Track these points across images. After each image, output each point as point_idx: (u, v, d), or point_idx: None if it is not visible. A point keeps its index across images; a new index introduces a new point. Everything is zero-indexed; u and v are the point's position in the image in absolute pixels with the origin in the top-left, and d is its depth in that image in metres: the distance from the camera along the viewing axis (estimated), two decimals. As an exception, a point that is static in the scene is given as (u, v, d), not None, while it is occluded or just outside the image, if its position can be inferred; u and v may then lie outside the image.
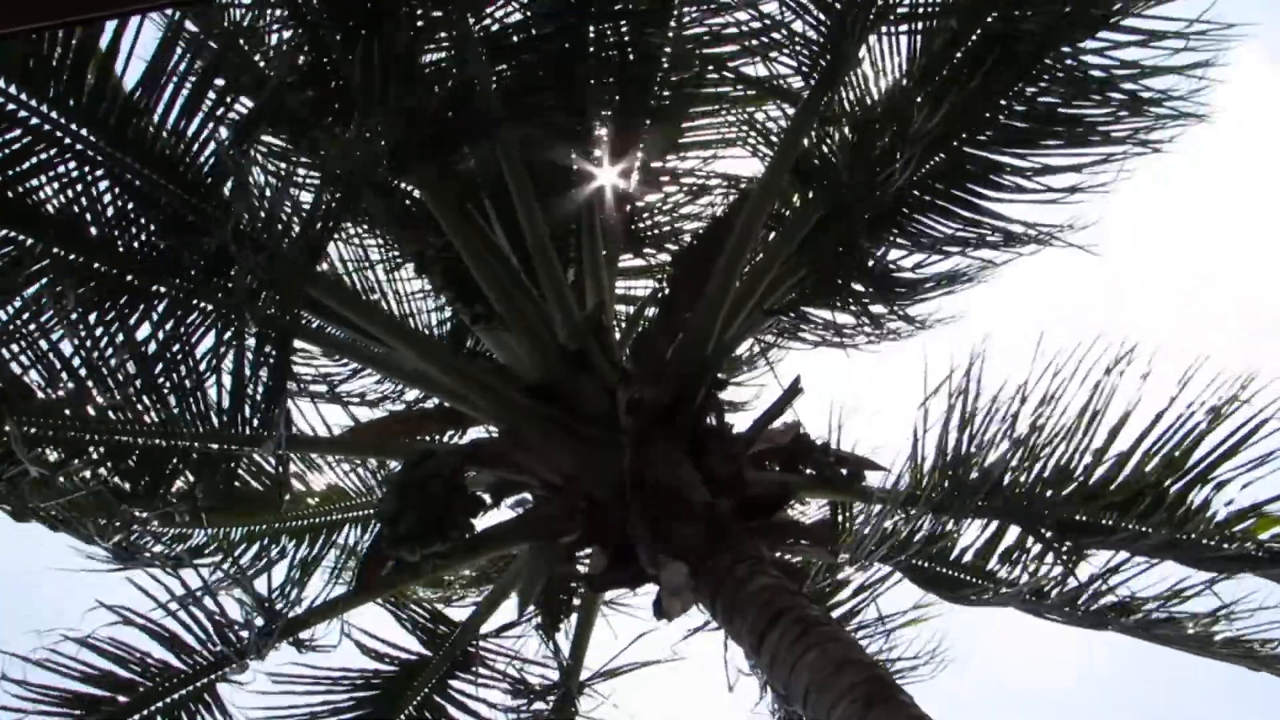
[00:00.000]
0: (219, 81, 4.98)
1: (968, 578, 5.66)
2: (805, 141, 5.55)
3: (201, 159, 5.01)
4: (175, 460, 5.45)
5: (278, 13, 5.20)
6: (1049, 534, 5.45)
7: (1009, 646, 5.86)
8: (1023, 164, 5.52)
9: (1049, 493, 5.42)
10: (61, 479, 5.00)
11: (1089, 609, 5.35)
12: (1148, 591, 5.34)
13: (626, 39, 5.53)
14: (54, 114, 4.68)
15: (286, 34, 5.34)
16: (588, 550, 5.38)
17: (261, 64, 5.40)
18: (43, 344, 5.04)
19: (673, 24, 5.58)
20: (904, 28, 5.27)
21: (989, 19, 5.14)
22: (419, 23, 5.26)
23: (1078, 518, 5.40)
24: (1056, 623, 5.58)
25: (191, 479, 5.53)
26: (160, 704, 5.14)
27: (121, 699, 5.07)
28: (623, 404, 4.99)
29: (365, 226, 6.34)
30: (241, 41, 5.22)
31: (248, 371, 5.17)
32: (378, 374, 6.54)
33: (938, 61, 5.20)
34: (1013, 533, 5.62)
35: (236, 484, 5.91)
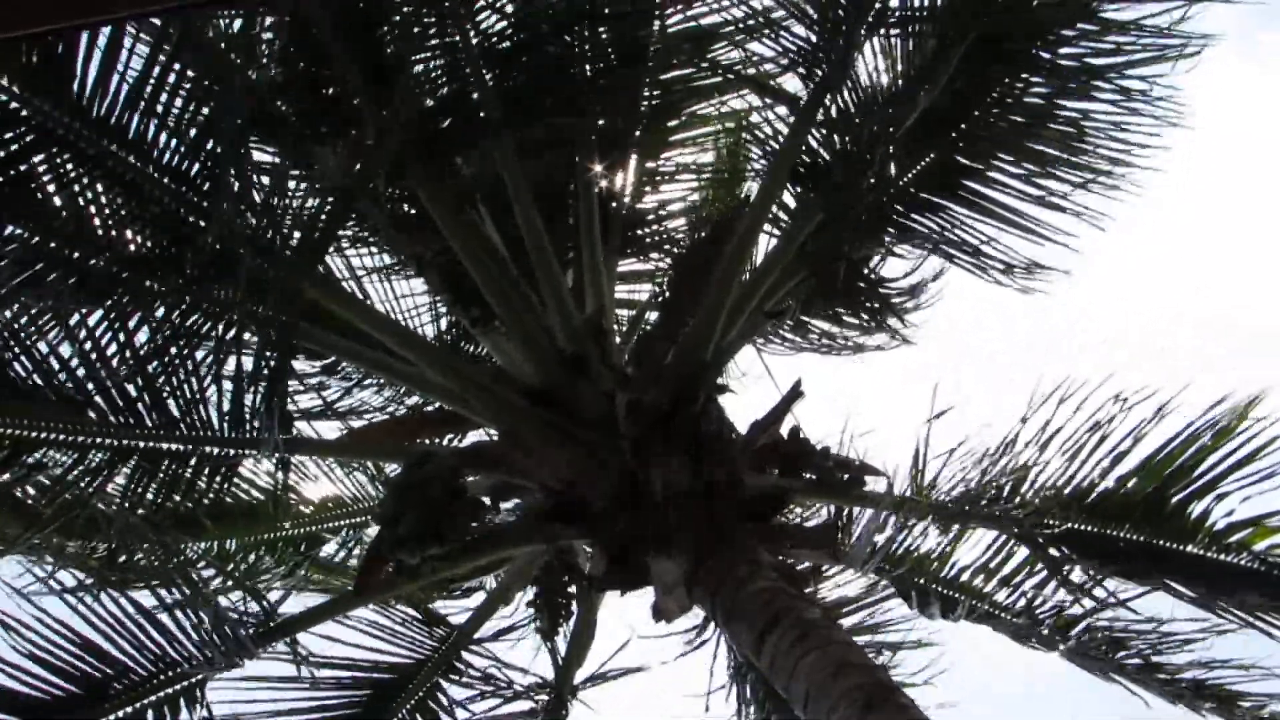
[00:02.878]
0: (218, 83, 5.00)
1: (961, 596, 5.67)
2: (803, 145, 5.56)
3: (201, 159, 5.02)
4: (175, 464, 5.44)
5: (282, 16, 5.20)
6: (1046, 544, 5.45)
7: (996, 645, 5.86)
8: (1016, 162, 5.53)
9: (1047, 502, 5.43)
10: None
11: (1080, 644, 5.37)
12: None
13: (619, 42, 5.53)
14: (56, 112, 4.69)
15: (285, 37, 5.33)
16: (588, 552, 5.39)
17: (259, 68, 5.40)
18: (42, 346, 5.06)
19: (665, 26, 5.59)
20: (898, 31, 5.29)
21: (982, 19, 5.16)
22: (414, 29, 5.27)
23: (1075, 526, 5.42)
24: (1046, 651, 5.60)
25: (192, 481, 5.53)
26: (151, 699, 5.12)
27: (115, 687, 5.05)
28: (622, 408, 4.98)
29: (364, 229, 6.35)
30: (237, 52, 5.22)
31: (248, 371, 5.18)
32: (376, 381, 6.54)
33: (931, 62, 5.21)
34: (1009, 548, 5.65)
35: (235, 489, 5.94)
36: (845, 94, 5.35)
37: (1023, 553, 5.61)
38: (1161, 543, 5.36)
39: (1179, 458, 5.24)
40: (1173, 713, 5.37)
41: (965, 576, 5.76)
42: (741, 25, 5.39)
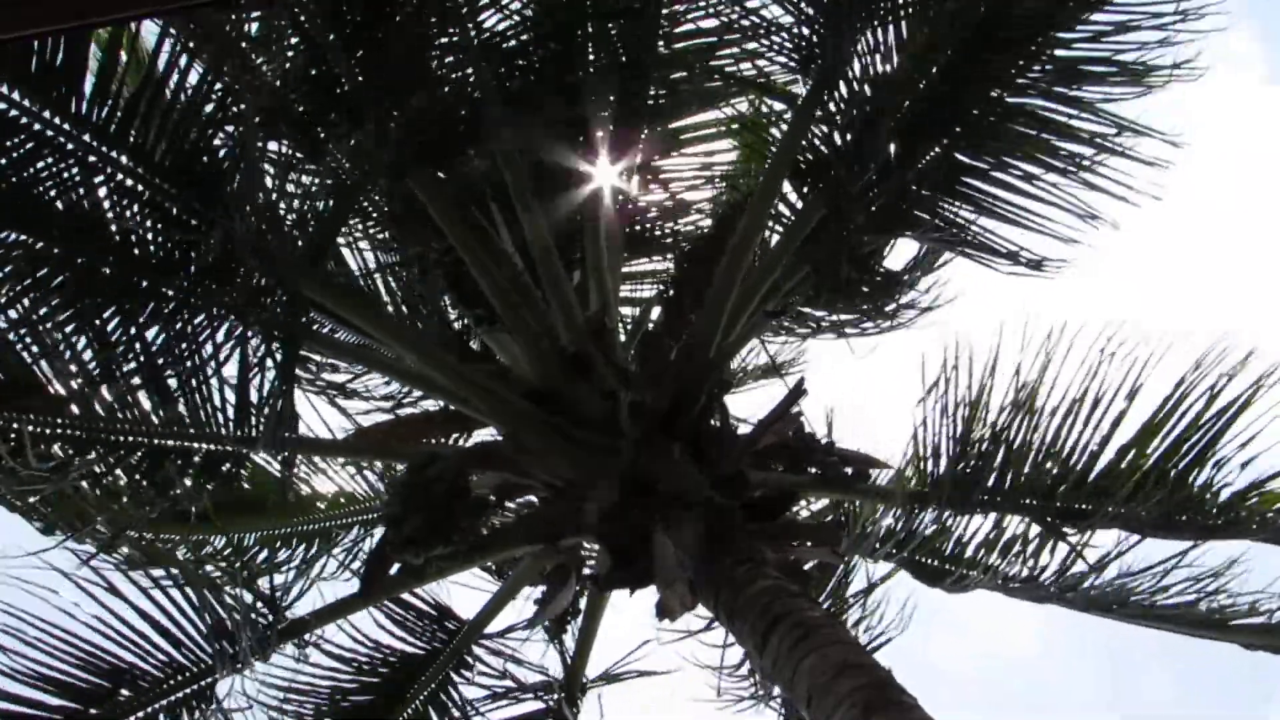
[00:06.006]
0: (220, 86, 5.02)
1: (972, 573, 5.65)
2: (803, 142, 5.54)
3: (204, 162, 5.04)
4: (181, 460, 5.48)
5: (279, 20, 5.20)
6: (1056, 523, 5.44)
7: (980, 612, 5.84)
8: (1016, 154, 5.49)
9: (1052, 482, 5.42)
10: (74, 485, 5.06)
11: (1094, 596, 5.32)
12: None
13: (621, 40, 5.52)
14: (57, 120, 4.71)
15: (289, 39, 5.33)
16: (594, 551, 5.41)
17: (264, 69, 5.40)
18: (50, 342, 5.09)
19: (668, 24, 5.56)
20: (899, 19, 5.25)
21: (980, 8, 5.12)
22: (419, 29, 5.26)
23: (1082, 506, 5.40)
24: (1061, 605, 5.57)
25: (198, 479, 5.56)
26: (163, 702, 5.17)
27: (124, 693, 5.10)
28: (625, 407, 4.99)
29: (369, 229, 6.36)
30: (244, 45, 5.22)
31: (252, 373, 5.21)
32: (382, 376, 6.56)
33: (930, 54, 5.19)
34: (1015, 525, 5.63)
35: (242, 485, 5.97)
36: (843, 89, 5.32)
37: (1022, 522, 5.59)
38: (1173, 517, 5.33)
39: (1171, 421, 5.21)
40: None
41: (970, 552, 5.76)
42: (741, 22, 5.37)
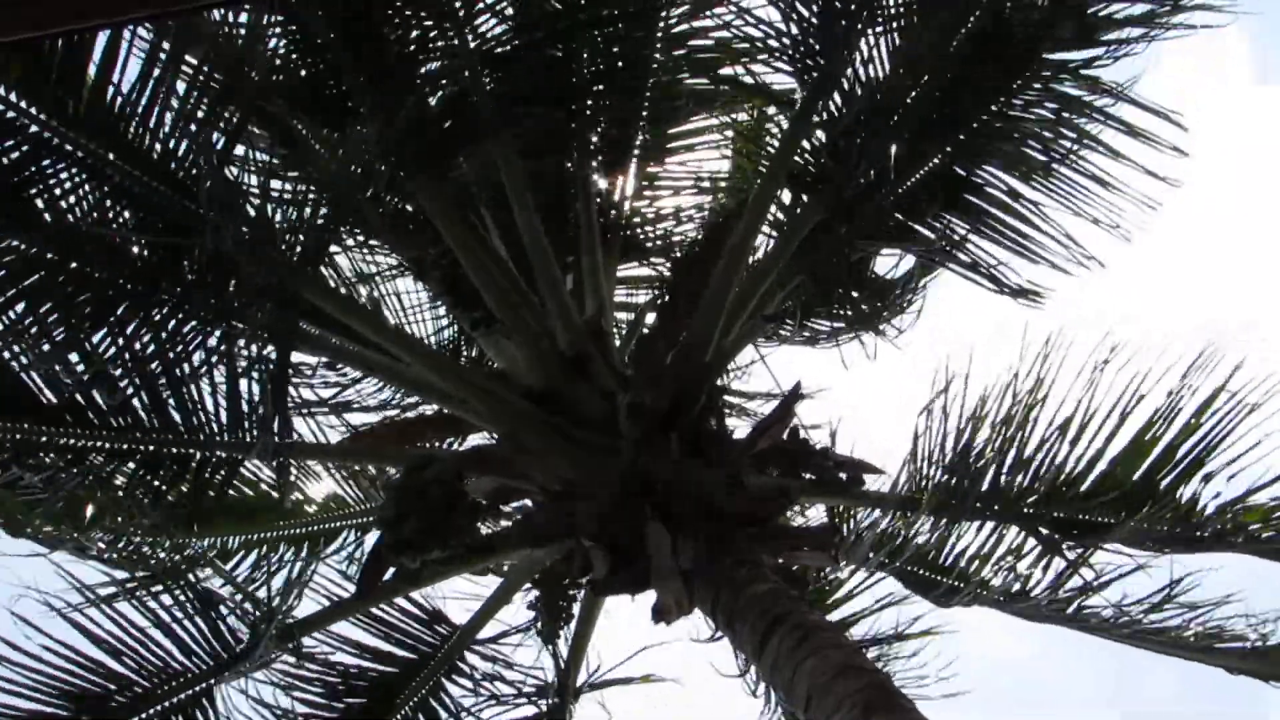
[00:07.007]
0: (214, 89, 5.00)
1: (963, 584, 5.67)
2: (800, 147, 5.56)
3: (197, 166, 5.02)
4: (175, 466, 5.45)
5: (274, 20, 5.19)
6: (1047, 533, 5.46)
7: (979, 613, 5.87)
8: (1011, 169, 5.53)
9: (1044, 492, 5.44)
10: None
11: (1083, 614, 5.35)
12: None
13: (617, 44, 5.53)
14: (53, 122, 4.69)
15: (284, 42, 5.32)
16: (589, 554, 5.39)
17: (256, 75, 5.39)
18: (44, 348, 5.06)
19: (665, 30, 5.58)
20: (894, 26, 5.29)
21: (977, 14, 5.16)
22: (415, 33, 5.27)
23: (1074, 517, 5.42)
24: (1051, 623, 5.59)
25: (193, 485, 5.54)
26: (159, 706, 5.14)
27: (120, 698, 5.07)
28: (623, 409, 4.99)
29: (364, 233, 6.35)
30: (238, 45, 5.21)
31: (245, 377, 5.18)
32: (378, 381, 6.55)
33: (929, 61, 5.21)
34: (1009, 538, 5.65)
35: (237, 491, 5.95)
36: (840, 96, 5.34)
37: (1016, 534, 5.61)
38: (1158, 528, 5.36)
39: (1164, 437, 5.23)
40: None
41: (963, 563, 5.77)
42: (737, 28, 5.39)
